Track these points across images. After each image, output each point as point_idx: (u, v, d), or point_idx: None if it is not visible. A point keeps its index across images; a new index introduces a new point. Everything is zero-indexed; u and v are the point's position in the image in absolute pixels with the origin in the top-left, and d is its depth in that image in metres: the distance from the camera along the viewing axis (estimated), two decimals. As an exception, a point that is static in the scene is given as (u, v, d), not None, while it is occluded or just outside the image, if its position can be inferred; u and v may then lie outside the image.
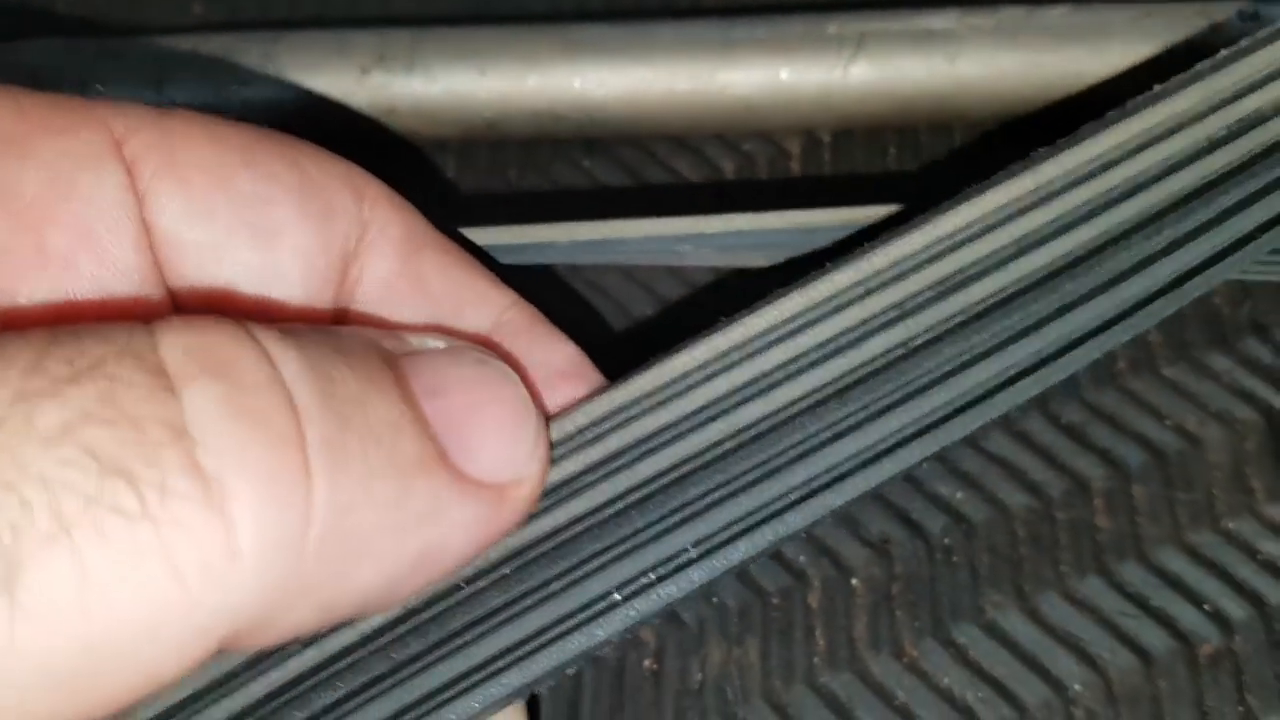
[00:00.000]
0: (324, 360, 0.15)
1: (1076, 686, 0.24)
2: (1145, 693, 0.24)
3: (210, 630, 0.14)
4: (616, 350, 0.21)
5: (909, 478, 0.27)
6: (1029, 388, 0.18)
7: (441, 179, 0.32)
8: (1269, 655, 0.25)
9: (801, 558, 0.26)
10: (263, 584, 0.14)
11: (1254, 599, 0.25)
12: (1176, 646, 0.25)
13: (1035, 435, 0.28)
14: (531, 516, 0.18)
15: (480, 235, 0.22)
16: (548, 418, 0.18)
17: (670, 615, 0.26)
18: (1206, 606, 0.25)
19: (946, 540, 0.26)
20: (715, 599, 0.26)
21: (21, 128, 0.16)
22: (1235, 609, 0.25)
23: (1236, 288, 0.30)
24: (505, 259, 0.23)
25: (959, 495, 0.27)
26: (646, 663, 0.25)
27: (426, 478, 0.15)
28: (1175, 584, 0.26)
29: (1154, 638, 0.25)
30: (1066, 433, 0.28)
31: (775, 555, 0.26)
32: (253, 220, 0.17)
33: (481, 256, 0.23)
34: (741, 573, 0.26)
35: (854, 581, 0.26)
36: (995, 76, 0.31)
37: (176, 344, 0.14)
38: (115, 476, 0.13)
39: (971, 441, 0.28)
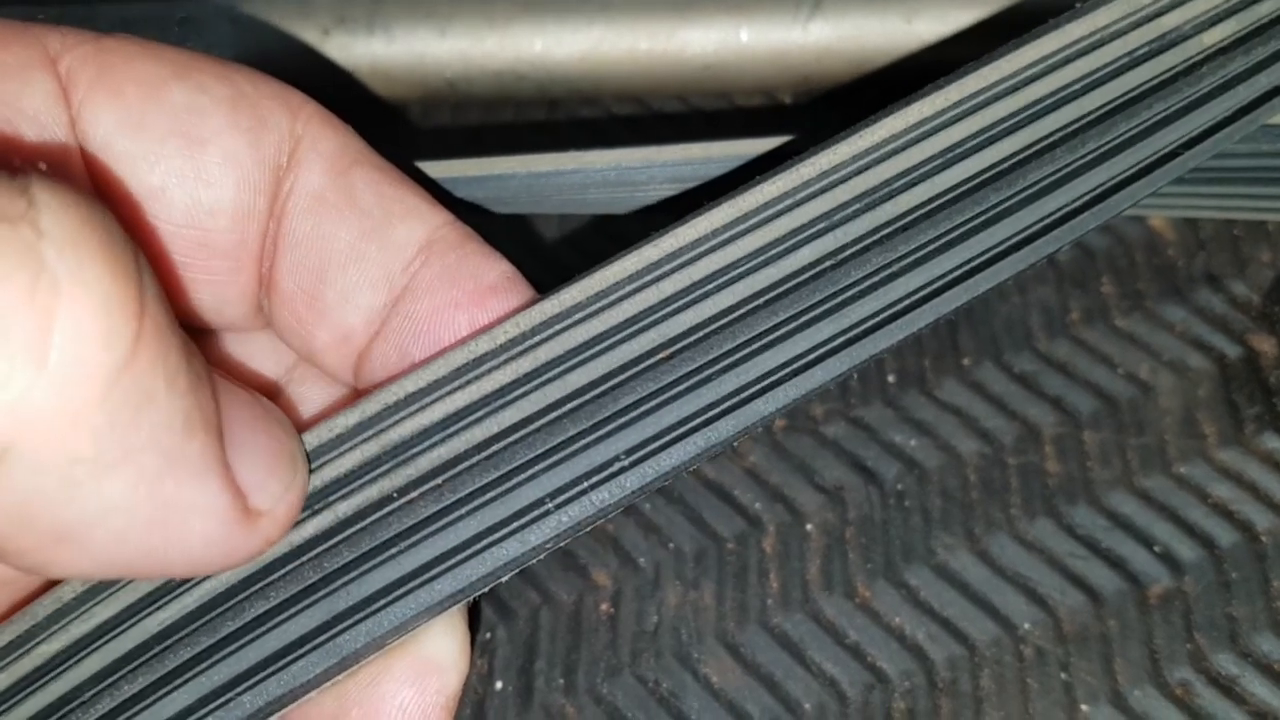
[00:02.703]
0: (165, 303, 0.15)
1: (1026, 625, 0.25)
2: (1095, 631, 0.25)
3: None
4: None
5: (862, 426, 0.28)
6: (956, 298, 0.18)
7: (405, 133, 0.33)
8: (1219, 595, 0.25)
9: (757, 504, 0.27)
10: (52, 410, 0.13)
11: (1205, 541, 0.26)
12: (1126, 587, 0.25)
13: (988, 384, 0.28)
14: (463, 426, 0.18)
15: (437, 169, 0.22)
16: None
17: (626, 560, 0.26)
18: (1157, 548, 0.26)
19: (899, 486, 0.27)
20: (671, 544, 0.26)
21: None
22: (1186, 551, 0.25)
23: (1191, 240, 0.30)
24: (461, 192, 0.23)
25: (913, 443, 0.27)
26: (603, 606, 0.26)
27: (206, 436, 0.15)
28: (1126, 526, 0.26)
29: (1104, 578, 0.25)
30: (1019, 381, 0.28)
31: (730, 501, 0.27)
32: (184, 130, 0.17)
33: (439, 193, 0.23)
34: (697, 519, 0.27)
35: (808, 527, 0.26)
36: (952, 35, 0.31)
37: (43, 179, 0.13)
38: None
39: (925, 391, 0.28)
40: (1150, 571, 0.25)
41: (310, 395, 0.20)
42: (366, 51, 0.31)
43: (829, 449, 0.27)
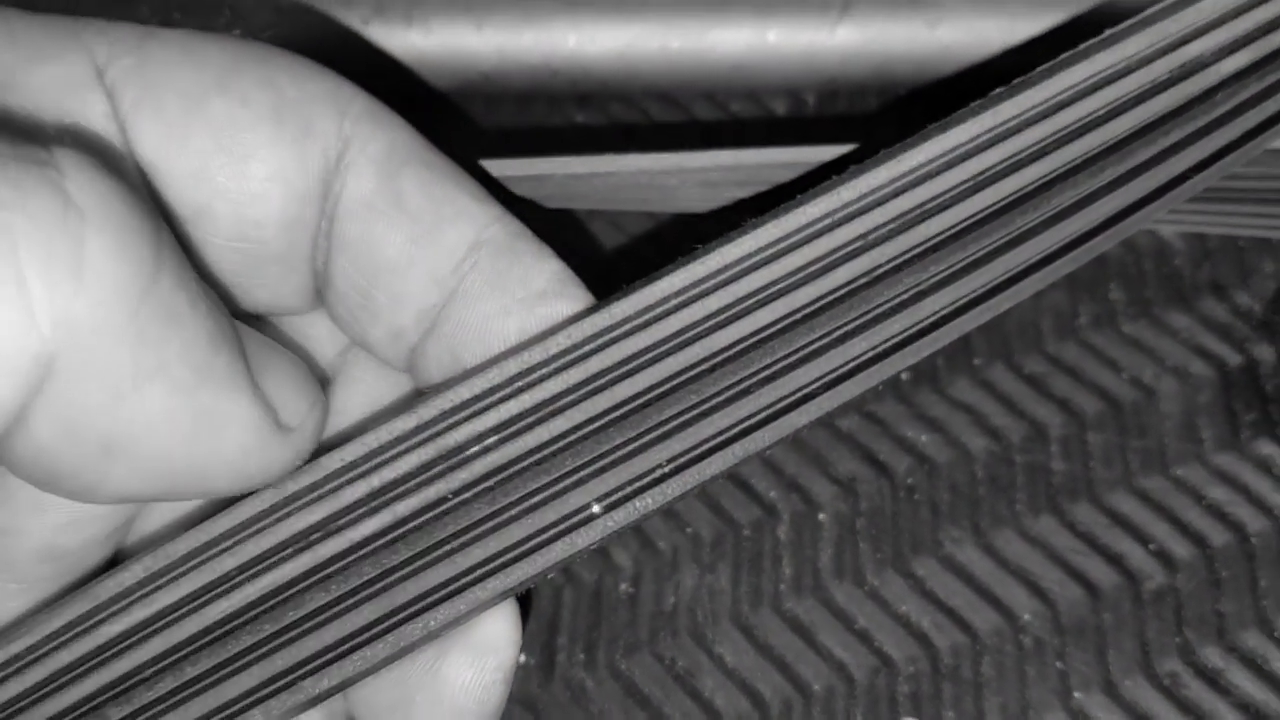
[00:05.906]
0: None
1: (1026, 616, 0.26)
2: (1091, 623, 0.26)
3: (39, 358, 0.14)
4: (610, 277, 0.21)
5: (876, 421, 0.29)
6: (979, 316, 0.19)
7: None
8: (1209, 593, 0.26)
9: (772, 493, 0.28)
10: (91, 323, 0.14)
11: (1198, 540, 0.27)
12: (1122, 582, 0.26)
13: (998, 384, 0.29)
14: (515, 433, 0.18)
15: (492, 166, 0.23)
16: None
17: (646, 543, 0.27)
18: (1152, 546, 0.27)
19: (910, 480, 0.28)
20: (689, 529, 0.27)
21: (8, 56, 0.16)
22: (1180, 549, 0.27)
23: (1198, 250, 0.31)
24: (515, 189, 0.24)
25: (924, 438, 0.28)
26: (623, 586, 0.27)
27: (231, 354, 0.16)
28: (1124, 524, 0.27)
29: (1101, 573, 0.26)
30: (1028, 382, 0.29)
31: (747, 489, 0.28)
32: (227, 146, 0.17)
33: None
34: (715, 505, 0.28)
35: (821, 516, 0.28)
36: (975, 43, 0.32)
37: (60, 144, 0.15)
38: None
39: (938, 388, 0.29)
40: (1145, 568, 0.27)
41: (366, 377, 0.21)
42: (403, 43, 0.32)
43: (844, 442, 0.28)
